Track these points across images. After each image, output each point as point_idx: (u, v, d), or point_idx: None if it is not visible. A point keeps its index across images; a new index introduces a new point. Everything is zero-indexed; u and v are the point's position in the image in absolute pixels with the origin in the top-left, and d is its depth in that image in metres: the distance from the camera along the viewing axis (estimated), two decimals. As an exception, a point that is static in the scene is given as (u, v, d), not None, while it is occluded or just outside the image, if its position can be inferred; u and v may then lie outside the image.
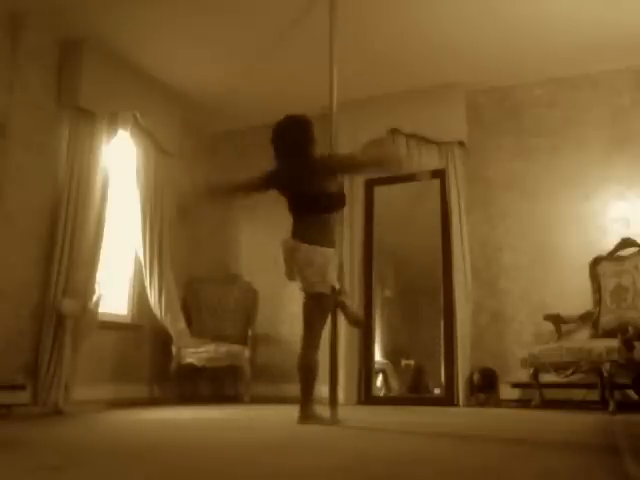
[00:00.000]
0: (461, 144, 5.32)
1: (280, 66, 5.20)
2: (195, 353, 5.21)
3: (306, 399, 3.26)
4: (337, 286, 3.35)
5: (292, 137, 3.37)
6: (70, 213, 4.54)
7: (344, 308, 3.60)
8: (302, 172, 3.35)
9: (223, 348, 5.24)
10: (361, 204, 5.58)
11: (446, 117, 5.36)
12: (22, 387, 4.19)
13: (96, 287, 4.62)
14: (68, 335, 4.35)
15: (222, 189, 3.77)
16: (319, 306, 3.30)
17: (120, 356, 5.13)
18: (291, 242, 3.34)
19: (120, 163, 5.16)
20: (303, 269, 3.26)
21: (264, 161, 6.53)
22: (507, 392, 4.84)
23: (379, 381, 5.54)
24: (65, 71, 4.73)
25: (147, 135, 5.28)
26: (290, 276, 3.41)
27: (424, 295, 5.69)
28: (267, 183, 3.50)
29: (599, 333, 4.51)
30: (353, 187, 5.56)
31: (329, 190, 3.36)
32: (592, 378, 4.34)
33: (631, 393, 4.38)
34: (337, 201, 3.42)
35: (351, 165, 3.72)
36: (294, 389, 5.30)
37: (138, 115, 5.10)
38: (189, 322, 5.52)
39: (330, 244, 3.30)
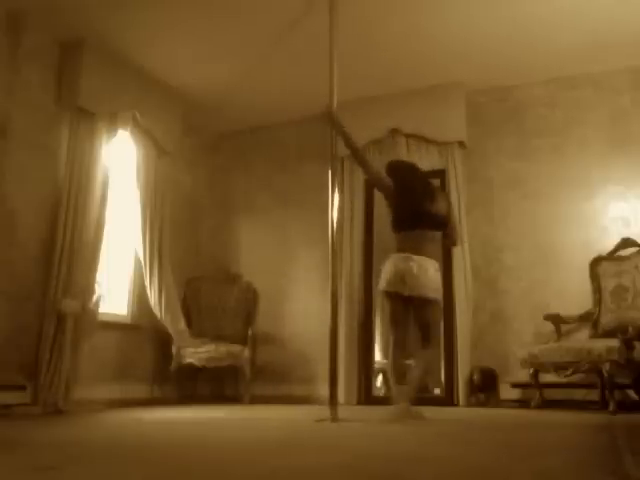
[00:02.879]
0: (461, 144, 5.32)
1: (280, 66, 5.20)
2: (195, 353, 5.21)
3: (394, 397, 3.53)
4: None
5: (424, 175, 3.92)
6: (70, 213, 4.55)
7: None
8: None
9: (223, 348, 5.24)
10: (361, 204, 5.58)
11: (446, 117, 5.37)
12: (22, 387, 4.20)
13: (96, 287, 4.62)
14: (68, 335, 4.35)
15: (352, 145, 3.83)
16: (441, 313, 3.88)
17: (120, 356, 5.13)
18: (405, 255, 3.58)
19: (120, 163, 5.16)
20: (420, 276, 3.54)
21: (264, 161, 6.55)
22: (507, 392, 4.83)
23: (379, 381, 5.54)
24: (65, 71, 4.74)
25: (147, 135, 5.28)
26: (398, 286, 3.55)
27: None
28: (389, 189, 3.77)
29: (599, 333, 4.51)
30: (353, 186, 5.56)
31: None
32: (592, 378, 4.34)
33: (631, 393, 4.38)
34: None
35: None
36: (294, 389, 5.32)
37: (138, 115, 5.10)
38: (189, 322, 5.52)
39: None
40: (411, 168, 3.91)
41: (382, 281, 3.64)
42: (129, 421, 3.73)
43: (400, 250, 3.60)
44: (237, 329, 5.60)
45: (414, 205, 3.66)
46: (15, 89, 4.41)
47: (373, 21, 4.55)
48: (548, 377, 4.40)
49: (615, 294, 4.55)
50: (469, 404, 4.79)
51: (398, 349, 3.60)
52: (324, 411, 3.43)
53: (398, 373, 3.58)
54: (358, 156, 3.88)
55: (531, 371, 4.39)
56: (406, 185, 3.73)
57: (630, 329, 4.05)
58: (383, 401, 5.26)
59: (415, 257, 3.54)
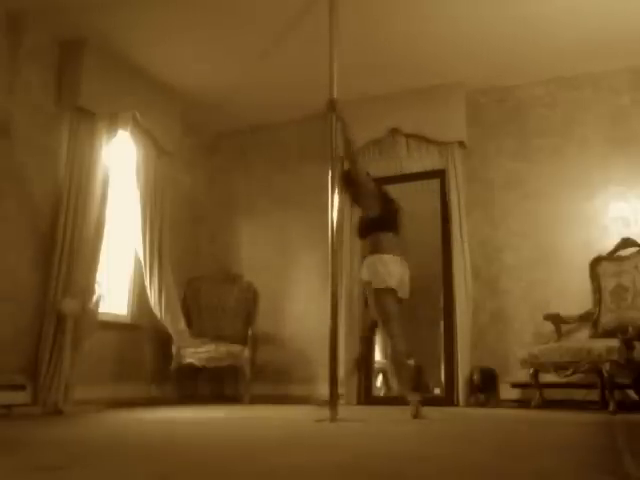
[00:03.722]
0: (461, 144, 5.32)
1: (280, 66, 5.20)
2: (195, 353, 5.21)
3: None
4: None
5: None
6: (70, 213, 4.55)
7: None
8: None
9: (223, 348, 5.24)
10: (361, 204, 5.58)
11: (446, 117, 5.37)
12: (22, 387, 4.19)
13: (96, 287, 4.62)
14: (68, 335, 4.35)
15: (349, 137, 3.90)
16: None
17: (120, 356, 5.13)
18: (389, 255, 3.81)
19: (120, 163, 5.16)
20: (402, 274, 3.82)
21: (264, 161, 6.54)
22: (507, 392, 4.83)
23: (379, 381, 5.54)
24: (65, 71, 4.74)
25: (147, 135, 5.28)
26: (383, 283, 3.74)
27: (424, 295, 5.68)
28: (372, 191, 4.00)
29: (599, 333, 4.51)
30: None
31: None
32: (592, 378, 4.33)
33: (631, 393, 4.38)
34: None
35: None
36: (294, 389, 5.31)
37: (138, 115, 5.10)
38: (189, 322, 5.52)
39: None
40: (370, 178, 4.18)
41: (387, 279, 3.71)
42: (130, 421, 3.73)
43: (383, 250, 3.81)
44: (237, 329, 5.60)
45: (390, 209, 3.98)
46: (15, 89, 4.41)
47: (373, 21, 4.55)
48: (548, 377, 4.40)
49: (615, 294, 4.55)
50: (469, 404, 4.78)
51: (403, 345, 3.65)
52: (324, 411, 3.43)
53: (400, 373, 3.64)
54: (352, 151, 3.95)
55: (531, 371, 4.39)
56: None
57: (630, 329, 4.05)
58: (383, 401, 5.27)
59: (403, 261, 3.85)
